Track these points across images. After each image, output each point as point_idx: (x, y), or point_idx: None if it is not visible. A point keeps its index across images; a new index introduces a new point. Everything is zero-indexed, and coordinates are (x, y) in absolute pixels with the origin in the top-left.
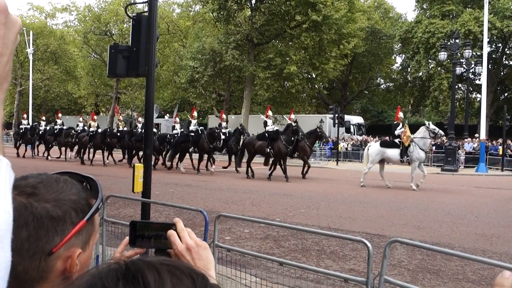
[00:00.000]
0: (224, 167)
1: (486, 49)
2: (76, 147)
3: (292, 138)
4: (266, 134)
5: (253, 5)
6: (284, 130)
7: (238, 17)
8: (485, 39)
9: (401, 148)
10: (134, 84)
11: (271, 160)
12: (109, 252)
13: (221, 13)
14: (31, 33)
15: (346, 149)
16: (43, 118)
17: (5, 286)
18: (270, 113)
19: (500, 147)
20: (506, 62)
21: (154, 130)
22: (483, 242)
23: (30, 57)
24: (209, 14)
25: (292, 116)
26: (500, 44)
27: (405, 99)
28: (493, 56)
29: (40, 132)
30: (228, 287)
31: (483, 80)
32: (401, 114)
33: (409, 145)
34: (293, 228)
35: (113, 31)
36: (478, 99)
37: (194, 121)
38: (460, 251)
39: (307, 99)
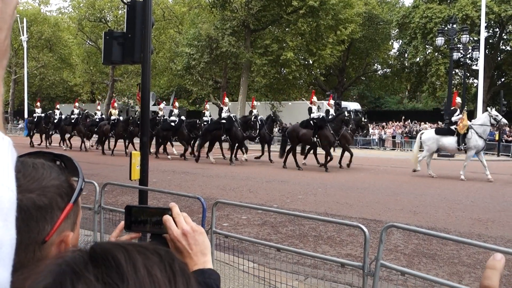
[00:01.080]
0: (256, 157)
1: (483, 34)
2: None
3: (342, 127)
4: (312, 122)
5: None
6: (333, 118)
7: (234, 3)
8: (483, 24)
9: (457, 135)
10: (130, 71)
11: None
12: (106, 239)
13: None
14: (24, 20)
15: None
16: (38, 104)
17: (11, 265)
18: (315, 98)
19: (497, 133)
20: (503, 47)
21: (183, 117)
22: (479, 226)
23: (25, 45)
24: (205, 0)
25: (331, 101)
26: (497, 29)
27: (402, 85)
28: (490, 41)
29: (55, 121)
30: (226, 273)
31: (480, 66)
32: (458, 99)
33: (466, 132)
34: (291, 214)
35: (108, 18)
36: (475, 84)
37: (225, 108)
38: (456, 235)
39: (304, 85)
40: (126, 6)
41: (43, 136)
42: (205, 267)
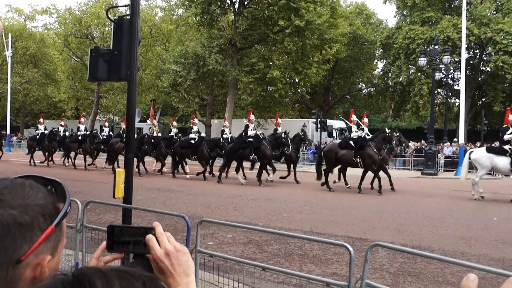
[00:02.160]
0: (282, 177)
1: (464, 55)
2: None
3: (384, 146)
4: (352, 142)
5: (236, 9)
6: (374, 137)
7: (221, 22)
8: (463, 46)
9: (510, 155)
10: (116, 88)
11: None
12: (88, 259)
13: (204, 17)
14: (9, 35)
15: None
16: (41, 121)
17: None
18: (354, 117)
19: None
20: (484, 68)
21: (203, 134)
22: (462, 244)
23: (9, 60)
24: (192, 18)
25: (365, 119)
26: (477, 51)
27: (386, 104)
28: (471, 62)
29: (57, 138)
30: None
31: (461, 86)
32: (511, 117)
33: None
34: (276, 232)
35: (94, 34)
36: (457, 104)
37: (252, 125)
38: (440, 254)
39: (290, 103)
40: (113, 23)
41: (46, 153)
42: None
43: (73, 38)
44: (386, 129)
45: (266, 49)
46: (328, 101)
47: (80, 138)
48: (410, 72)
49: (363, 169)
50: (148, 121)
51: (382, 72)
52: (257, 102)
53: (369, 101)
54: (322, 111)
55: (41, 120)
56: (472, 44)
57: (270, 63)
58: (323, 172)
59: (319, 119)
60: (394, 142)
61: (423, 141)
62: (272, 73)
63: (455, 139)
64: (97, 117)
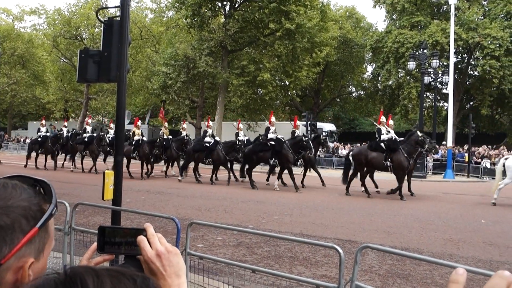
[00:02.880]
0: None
1: (452, 59)
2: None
3: (417, 149)
4: (382, 144)
5: (227, 12)
6: (405, 140)
7: (212, 24)
8: (452, 50)
9: None
10: (105, 89)
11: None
12: (77, 262)
13: (195, 19)
14: None
15: (319, 156)
16: (43, 123)
17: None
18: (384, 119)
19: (466, 154)
20: (471, 72)
21: (217, 138)
22: (451, 246)
23: None
24: (183, 20)
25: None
26: (465, 55)
27: (375, 107)
28: (459, 66)
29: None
30: None
31: (449, 89)
32: None
33: None
34: (266, 235)
35: (83, 36)
36: (445, 107)
37: (273, 128)
38: (429, 255)
39: (281, 106)
40: (103, 24)
41: (49, 156)
42: None
43: (62, 39)
44: (418, 132)
45: (257, 52)
46: (318, 104)
47: (86, 139)
48: (399, 76)
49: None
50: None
51: (371, 75)
52: (248, 104)
53: (359, 104)
54: (312, 114)
55: (43, 122)
56: (460, 48)
57: (261, 65)
58: (349, 176)
59: (309, 122)
60: (426, 146)
61: None
62: (262, 76)
63: (444, 142)
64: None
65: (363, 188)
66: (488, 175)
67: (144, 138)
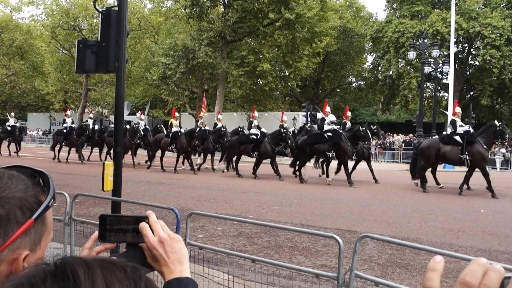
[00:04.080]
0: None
1: (453, 49)
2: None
3: (495, 141)
4: (458, 137)
5: (226, 2)
6: (482, 131)
7: (211, 14)
8: (452, 40)
9: None
10: (105, 80)
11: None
12: (77, 253)
13: (194, 9)
14: None
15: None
16: (68, 113)
17: None
18: (458, 109)
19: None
20: (472, 62)
21: (264, 130)
22: (450, 236)
23: None
24: (182, 10)
25: (349, 113)
26: (466, 45)
27: (375, 97)
28: (460, 56)
29: (89, 133)
30: (201, 285)
31: (450, 79)
32: None
33: None
34: (266, 225)
35: (82, 26)
36: (445, 97)
37: (328, 119)
38: (428, 245)
39: (280, 96)
40: (100, 14)
41: (73, 149)
42: (182, 276)
43: (61, 30)
44: (496, 122)
45: (256, 42)
46: (318, 95)
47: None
48: (400, 66)
49: (468, 167)
50: (138, 114)
51: (371, 65)
52: (247, 95)
53: (359, 94)
54: (312, 104)
55: (68, 113)
56: (461, 38)
57: (260, 56)
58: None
59: (309, 112)
60: (507, 136)
61: (411, 135)
62: (262, 66)
63: (444, 132)
64: (86, 110)
65: (416, 181)
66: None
67: (182, 130)
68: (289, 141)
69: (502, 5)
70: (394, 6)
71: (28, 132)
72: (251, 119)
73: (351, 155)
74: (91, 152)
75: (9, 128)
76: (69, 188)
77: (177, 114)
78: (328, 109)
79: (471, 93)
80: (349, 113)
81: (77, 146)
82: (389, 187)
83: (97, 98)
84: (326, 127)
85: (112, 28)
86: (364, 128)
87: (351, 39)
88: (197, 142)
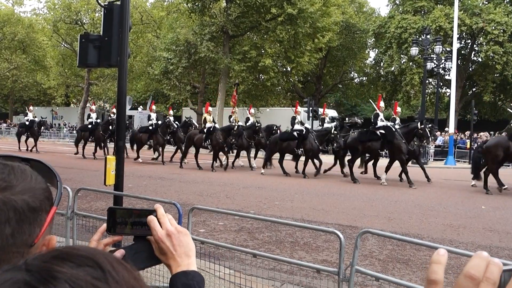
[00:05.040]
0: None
1: (455, 45)
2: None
3: None
4: None
5: None
6: None
7: (213, 9)
8: (455, 35)
9: None
10: (106, 75)
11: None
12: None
13: (196, 4)
14: None
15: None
16: (93, 108)
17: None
18: None
19: (468, 141)
20: (475, 58)
21: (307, 125)
22: (451, 232)
23: None
24: (184, 5)
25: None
26: (469, 41)
27: (377, 93)
28: (462, 52)
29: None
30: None
31: (452, 76)
32: None
33: None
34: (267, 220)
35: (84, 20)
36: (447, 94)
37: (381, 115)
38: (429, 241)
39: (282, 92)
40: (103, 9)
41: (100, 145)
42: (189, 269)
43: (63, 24)
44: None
45: (258, 37)
46: (320, 90)
47: (151, 128)
48: (402, 62)
49: None
50: (140, 108)
51: (374, 61)
52: (249, 90)
53: (361, 90)
54: (314, 100)
55: (93, 107)
56: (464, 34)
57: (262, 51)
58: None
59: (311, 108)
60: None
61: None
62: (264, 62)
63: (446, 129)
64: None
65: (474, 183)
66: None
67: (217, 125)
68: (336, 143)
69: (505, 1)
70: (397, 2)
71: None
72: (294, 114)
73: (405, 153)
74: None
75: (27, 123)
76: (71, 182)
77: (210, 108)
78: (382, 104)
79: (474, 89)
80: (398, 109)
81: (103, 141)
82: (390, 183)
83: (99, 92)
84: (379, 123)
85: (115, 23)
86: (423, 126)
87: (353, 34)
88: (233, 139)
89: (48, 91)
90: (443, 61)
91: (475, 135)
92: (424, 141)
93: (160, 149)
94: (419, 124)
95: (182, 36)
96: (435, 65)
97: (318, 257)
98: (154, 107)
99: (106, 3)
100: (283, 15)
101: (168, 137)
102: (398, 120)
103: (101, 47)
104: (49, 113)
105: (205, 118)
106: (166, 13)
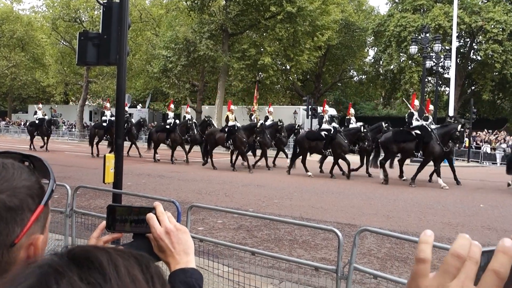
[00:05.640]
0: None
1: (455, 43)
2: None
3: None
4: None
5: None
6: None
7: (212, 7)
8: (454, 34)
9: None
10: (105, 73)
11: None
12: (78, 244)
13: (195, 2)
14: None
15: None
16: (108, 106)
17: None
18: None
19: (467, 139)
20: (474, 56)
21: (335, 124)
22: (449, 230)
23: None
24: (183, 3)
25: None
26: (468, 39)
27: (377, 92)
28: (462, 50)
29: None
30: None
31: (451, 74)
32: None
33: None
34: (266, 218)
35: (83, 18)
36: (446, 92)
37: (416, 114)
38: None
39: (281, 90)
40: (102, 6)
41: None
42: (188, 267)
43: (62, 22)
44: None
45: (258, 35)
46: (319, 88)
47: (168, 127)
48: (401, 60)
49: None
50: (139, 107)
51: (373, 59)
52: (248, 88)
53: (360, 88)
54: (313, 98)
55: (108, 105)
56: (463, 32)
57: (262, 49)
58: None
59: (310, 106)
60: None
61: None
62: (263, 60)
63: None
64: (86, 102)
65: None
66: (488, 160)
67: (238, 124)
68: (367, 142)
69: None
70: (396, 0)
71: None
72: (321, 113)
73: (439, 154)
74: (130, 146)
75: (36, 122)
76: (70, 180)
77: (233, 107)
78: (416, 102)
79: (473, 88)
80: (431, 107)
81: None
82: (390, 181)
83: (97, 90)
84: (414, 123)
85: (114, 20)
86: (462, 129)
87: (352, 33)
88: (258, 138)
89: (47, 89)
90: (442, 59)
91: (474, 133)
92: (457, 143)
93: (177, 148)
94: (459, 126)
95: (181, 34)
96: (434, 64)
97: (317, 255)
98: (172, 106)
99: (105, 1)
100: (282, 13)
101: (186, 136)
102: (431, 119)
103: (100, 45)
104: (48, 111)
105: (227, 117)
106: (165, 11)
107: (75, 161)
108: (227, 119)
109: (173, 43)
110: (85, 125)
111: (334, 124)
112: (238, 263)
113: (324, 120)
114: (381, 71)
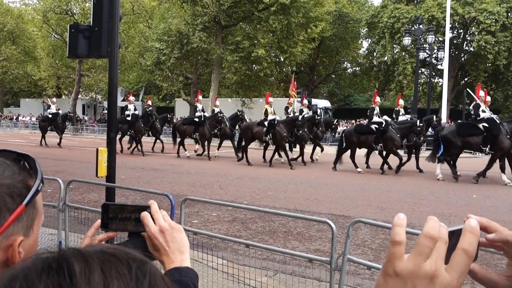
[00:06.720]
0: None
1: (448, 34)
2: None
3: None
4: None
5: None
6: None
7: None
8: (447, 25)
9: None
10: (98, 66)
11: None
12: (72, 238)
13: None
14: None
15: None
16: (131, 99)
17: None
18: None
19: None
20: (467, 48)
21: (386, 117)
22: (442, 221)
23: None
24: None
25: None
26: (461, 30)
27: (370, 83)
28: (455, 42)
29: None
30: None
31: (445, 65)
32: None
33: None
34: (261, 210)
35: (74, 10)
36: (440, 83)
37: (377, 108)
38: (420, 230)
39: (275, 82)
40: None
41: (136, 138)
42: (182, 265)
43: (53, 14)
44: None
45: (251, 27)
46: (313, 80)
47: (197, 120)
48: (395, 52)
49: None
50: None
51: (367, 51)
52: (242, 81)
53: (354, 80)
54: (307, 90)
55: (131, 98)
56: (456, 23)
57: (255, 41)
58: None
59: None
60: None
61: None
62: (257, 52)
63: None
64: (79, 96)
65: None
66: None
67: (278, 117)
68: (422, 137)
69: None
70: None
71: (21, 118)
72: (373, 105)
73: (510, 150)
74: (155, 142)
75: (50, 116)
76: (63, 174)
77: (271, 99)
78: (481, 93)
79: (466, 79)
80: (488, 98)
81: (143, 135)
82: (383, 172)
83: (90, 83)
84: (481, 115)
85: (105, 12)
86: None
87: (346, 24)
88: (300, 131)
89: (39, 83)
90: (435, 51)
91: None
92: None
93: (206, 144)
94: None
95: (174, 26)
96: (428, 55)
97: (311, 246)
98: (200, 97)
99: None
100: (275, 4)
101: (216, 131)
102: (402, 112)
103: (91, 37)
104: (40, 105)
105: (266, 110)
106: (158, 2)
107: (69, 155)
108: (266, 113)
109: (166, 35)
110: (77, 118)
111: (385, 117)
112: (233, 256)
113: (375, 112)
114: (375, 63)
